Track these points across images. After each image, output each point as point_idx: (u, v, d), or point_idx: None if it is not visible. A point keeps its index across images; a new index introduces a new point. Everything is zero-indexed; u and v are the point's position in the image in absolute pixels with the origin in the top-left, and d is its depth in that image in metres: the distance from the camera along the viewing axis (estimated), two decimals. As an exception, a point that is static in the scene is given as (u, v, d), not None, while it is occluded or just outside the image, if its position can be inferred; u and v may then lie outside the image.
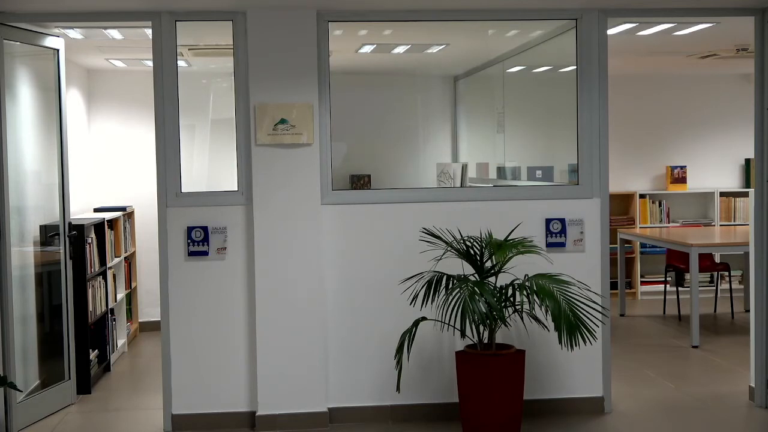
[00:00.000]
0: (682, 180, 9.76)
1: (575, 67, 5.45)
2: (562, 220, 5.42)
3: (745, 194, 9.61)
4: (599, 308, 4.94)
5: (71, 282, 5.81)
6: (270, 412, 5.22)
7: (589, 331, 4.59)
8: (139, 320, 8.19)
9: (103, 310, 6.70)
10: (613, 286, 8.20)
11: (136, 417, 5.63)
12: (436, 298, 4.86)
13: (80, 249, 6.06)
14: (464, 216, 5.31)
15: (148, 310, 8.16)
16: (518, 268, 4.94)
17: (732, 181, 9.95)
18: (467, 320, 4.51)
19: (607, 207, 5.48)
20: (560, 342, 4.59)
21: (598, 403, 5.46)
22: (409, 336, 4.80)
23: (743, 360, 6.24)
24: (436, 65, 8.26)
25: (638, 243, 9.47)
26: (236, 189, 5.27)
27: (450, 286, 4.82)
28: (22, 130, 5.51)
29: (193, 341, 5.27)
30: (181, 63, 5.35)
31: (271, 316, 5.20)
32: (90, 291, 6.25)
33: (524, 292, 4.73)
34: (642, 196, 9.69)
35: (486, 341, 4.88)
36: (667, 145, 9.84)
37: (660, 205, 9.76)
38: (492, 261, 4.90)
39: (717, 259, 9.03)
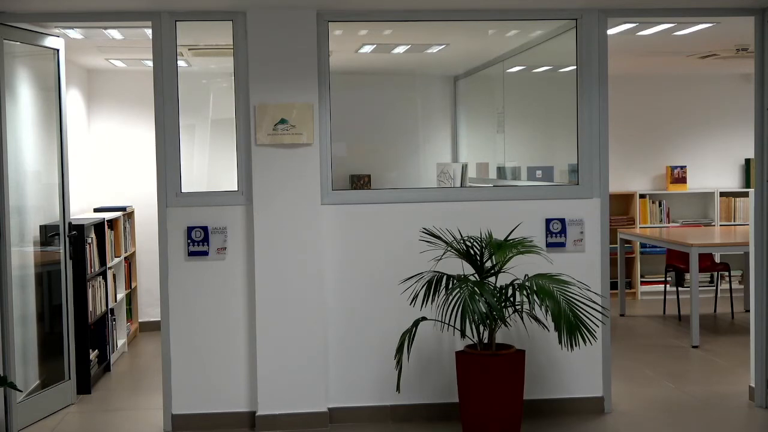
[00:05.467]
0: (682, 180, 9.76)
1: (575, 67, 5.45)
2: (562, 220, 5.42)
3: (745, 194, 9.62)
4: (599, 308, 4.94)
5: (71, 282, 5.81)
6: (270, 412, 5.22)
7: (589, 331, 4.60)
8: (139, 320, 8.19)
9: (103, 310, 6.70)
10: (613, 286, 8.20)
11: (136, 417, 5.63)
12: (436, 298, 4.86)
13: (80, 249, 6.06)
14: (464, 216, 5.31)
15: (148, 310, 8.16)
16: (518, 268, 4.94)
17: (732, 181, 9.95)
18: (467, 320, 4.51)
19: (607, 207, 5.48)
20: (560, 342, 4.59)
21: (598, 403, 5.46)
22: (409, 336, 4.80)
23: (743, 360, 6.24)
24: (436, 65, 8.26)
25: (638, 243, 9.47)
26: (236, 189, 5.27)
27: (450, 286, 4.82)
28: (22, 130, 5.51)
29: (193, 341, 5.27)
30: (181, 63, 5.35)
31: (271, 316, 5.20)
32: (90, 291, 6.25)
33: (524, 292, 4.73)
34: (642, 196, 9.69)
35: (486, 341, 4.88)
36: (667, 145, 9.84)
37: (660, 205, 9.76)
38: (492, 261, 4.90)
39: (717, 259, 9.03)
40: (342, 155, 7.45)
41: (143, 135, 7.93)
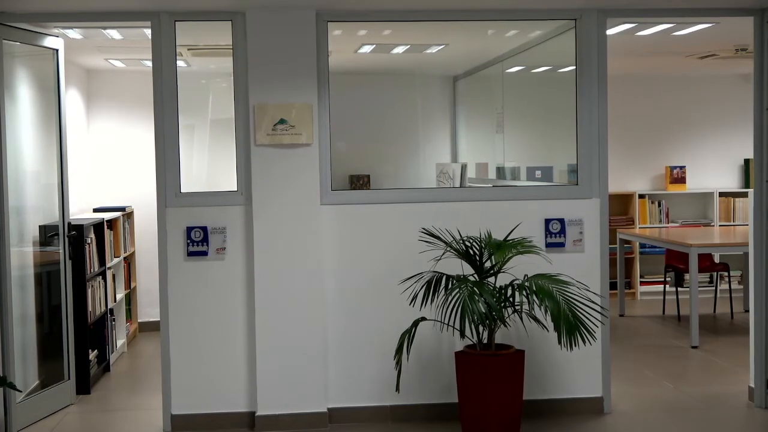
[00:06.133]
0: (681, 180, 9.76)
1: (575, 67, 5.45)
2: (561, 221, 5.42)
3: (745, 194, 9.62)
4: (599, 308, 4.94)
5: (71, 282, 5.80)
6: (270, 412, 5.22)
7: (588, 332, 4.60)
8: (139, 320, 8.19)
9: (102, 310, 6.70)
10: (613, 286, 8.18)
11: (135, 417, 5.63)
12: (435, 298, 4.86)
13: (80, 249, 6.06)
14: (464, 216, 5.31)
15: (148, 310, 8.15)
16: (518, 268, 4.94)
17: (731, 181, 9.95)
18: (467, 320, 4.51)
19: (607, 207, 5.48)
20: (560, 342, 4.59)
21: (597, 403, 5.46)
22: (408, 336, 4.79)
23: (743, 360, 6.24)
24: (435, 65, 8.26)
25: (637, 243, 9.47)
26: (235, 189, 5.27)
27: (449, 286, 4.82)
28: (22, 131, 5.51)
29: (192, 341, 5.27)
30: (180, 63, 5.35)
31: (271, 317, 5.20)
32: (89, 291, 6.25)
33: (524, 293, 4.74)
34: (641, 196, 9.69)
35: (485, 341, 4.88)
36: (666, 145, 9.85)
37: (659, 206, 9.76)
38: (491, 261, 4.90)
39: (716, 260, 9.03)
40: (342, 150, 7.50)
41: (143, 135, 7.92)
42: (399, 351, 4.79)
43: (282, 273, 5.20)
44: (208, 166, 7.37)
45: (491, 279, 4.91)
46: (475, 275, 4.92)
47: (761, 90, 5.38)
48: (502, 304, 4.82)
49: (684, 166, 9.77)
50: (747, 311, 7.36)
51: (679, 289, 8.66)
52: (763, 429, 5.22)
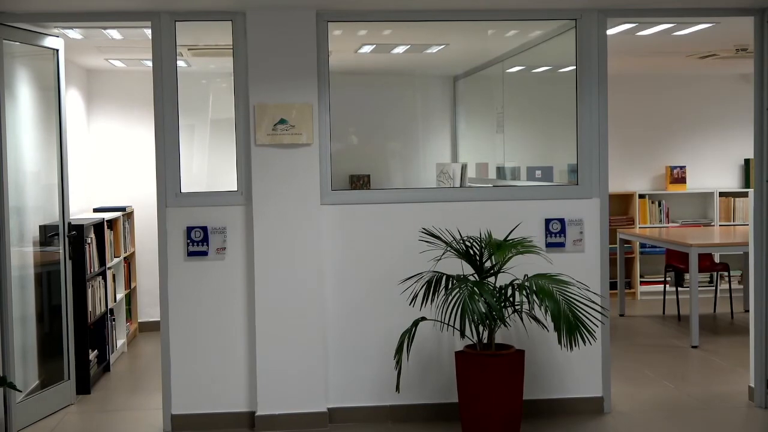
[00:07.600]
0: (681, 180, 9.76)
1: (575, 67, 5.45)
2: (561, 220, 5.42)
3: (745, 194, 9.62)
4: (599, 308, 4.94)
5: (71, 282, 5.80)
6: (269, 412, 5.22)
7: (588, 331, 4.60)
8: (139, 320, 8.19)
9: (102, 310, 6.70)
10: (613, 286, 8.18)
11: (135, 417, 5.63)
12: (435, 298, 4.86)
13: (80, 249, 6.06)
14: (464, 216, 5.31)
15: (148, 310, 8.16)
16: (518, 268, 4.94)
17: (731, 181, 9.95)
18: (467, 320, 4.51)
19: (607, 207, 5.48)
20: (560, 342, 4.59)
21: (597, 403, 5.46)
22: (408, 336, 4.79)
23: (743, 360, 6.24)
24: (435, 65, 8.26)
25: (638, 243, 9.47)
26: (236, 189, 5.27)
27: (449, 286, 4.82)
28: (22, 131, 5.51)
29: (192, 341, 5.27)
30: (180, 63, 5.35)
31: (271, 316, 5.20)
32: (89, 291, 6.25)
33: (524, 292, 4.74)
34: (641, 196, 9.69)
35: (485, 341, 4.88)
36: (666, 145, 9.85)
37: (659, 205, 9.76)
38: (491, 261, 4.90)
39: (716, 259, 9.03)
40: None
41: (143, 135, 7.92)
42: (399, 351, 4.79)
43: (282, 273, 5.20)
44: (208, 166, 7.38)
45: (491, 279, 4.91)
46: (475, 275, 4.92)
47: (761, 90, 5.38)
48: (502, 304, 4.82)
49: (684, 166, 9.77)
50: (747, 311, 7.36)
51: (679, 289, 8.66)
52: (763, 429, 5.22)
